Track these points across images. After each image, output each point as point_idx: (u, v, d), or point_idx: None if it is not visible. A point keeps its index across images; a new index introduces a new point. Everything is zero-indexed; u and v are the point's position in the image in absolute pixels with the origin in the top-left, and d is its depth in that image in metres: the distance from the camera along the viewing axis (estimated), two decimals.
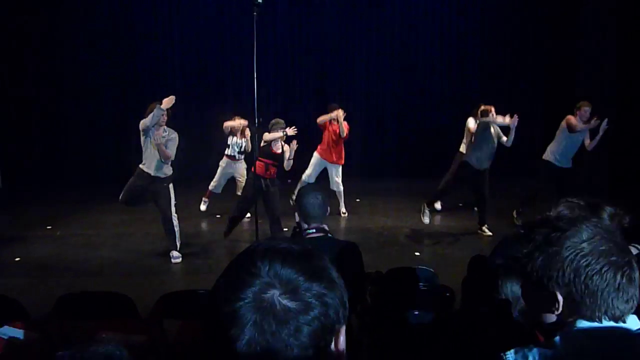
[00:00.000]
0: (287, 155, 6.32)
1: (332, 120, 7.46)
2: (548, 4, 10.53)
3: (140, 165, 5.72)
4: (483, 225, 6.84)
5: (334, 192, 7.70)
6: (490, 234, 6.74)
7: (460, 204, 8.35)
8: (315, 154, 7.71)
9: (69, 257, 5.98)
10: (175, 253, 5.81)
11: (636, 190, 7.84)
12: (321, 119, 7.52)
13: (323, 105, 10.99)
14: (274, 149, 6.33)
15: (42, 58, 10.15)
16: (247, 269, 0.80)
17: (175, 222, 5.80)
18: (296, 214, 2.97)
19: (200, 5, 10.80)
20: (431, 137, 10.78)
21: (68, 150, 10.44)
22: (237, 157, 7.53)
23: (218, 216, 7.72)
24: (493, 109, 6.56)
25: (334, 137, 7.52)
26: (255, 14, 4.42)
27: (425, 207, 6.86)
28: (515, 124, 6.31)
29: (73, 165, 10.32)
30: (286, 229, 6.38)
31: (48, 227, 7.23)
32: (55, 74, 10.33)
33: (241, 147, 7.47)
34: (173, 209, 5.76)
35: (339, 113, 7.33)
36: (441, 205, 7.93)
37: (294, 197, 7.34)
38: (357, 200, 8.86)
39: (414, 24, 11.13)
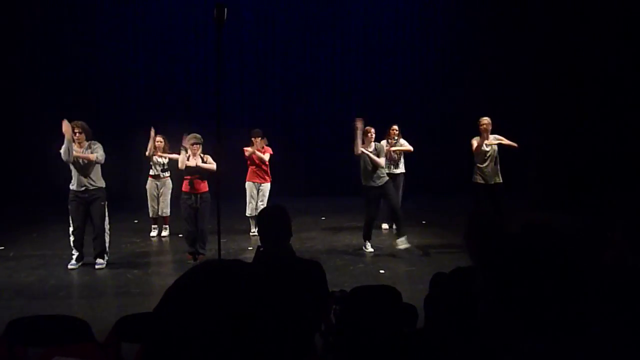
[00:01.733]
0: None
1: (256, 147, 7.54)
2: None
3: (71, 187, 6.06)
4: (398, 238, 6.74)
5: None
6: (404, 247, 6.67)
7: (424, 222, 8.46)
8: (246, 184, 7.68)
9: (22, 279, 5.73)
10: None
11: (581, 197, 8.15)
12: (247, 153, 7.58)
13: (289, 121, 11.08)
14: (190, 162, 6.31)
15: None
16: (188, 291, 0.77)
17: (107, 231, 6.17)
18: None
19: (165, 18, 10.77)
20: None
21: (24, 167, 10.11)
22: (161, 176, 7.60)
23: (180, 235, 7.59)
24: (372, 130, 6.75)
25: (257, 161, 7.58)
26: (218, 29, 4.39)
27: (366, 243, 6.84)
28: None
29: (29, 183, 10.00)
30: (251, 248, 6.30)
31: (0, 248, 6.94)
32: (11, 88, 10.03)
33: (164, 165, 7.55)
34: (106, 221, 6.14)
35: (257, 145, 7.49)
36: (387, 225, 8.02)
37: (253, 230, 7.35)
38: (323, 218, 8.85)
39: (379, 38, 11.40)
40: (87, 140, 6.10)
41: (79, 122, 6.08)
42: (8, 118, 10.00)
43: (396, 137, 7.80)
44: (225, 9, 3.57)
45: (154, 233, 7.78)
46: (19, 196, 9.75)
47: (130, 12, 10.78)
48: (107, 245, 6.20)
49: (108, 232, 6.20)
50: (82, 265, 6.16)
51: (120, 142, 9.47)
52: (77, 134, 5.99)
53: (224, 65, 10.26)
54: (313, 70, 11.40)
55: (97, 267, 6.06)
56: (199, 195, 6.24)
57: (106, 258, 6.19)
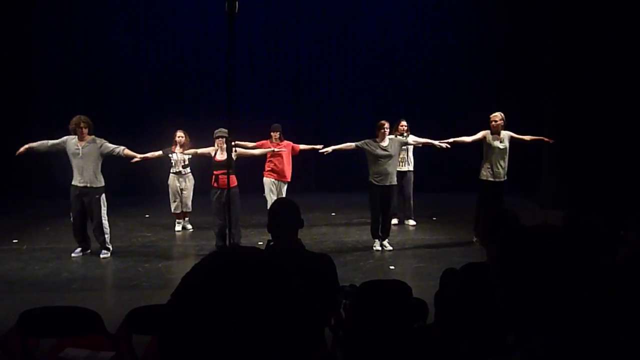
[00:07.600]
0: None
1: (273, 142, 7.30)
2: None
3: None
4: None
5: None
6: (378, 248, 6.71)
7: (434, 218, 8.43)
8: (264, 179, 7.42)
9: (35, 272, 5.80)
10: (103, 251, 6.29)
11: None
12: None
13: (298, 117, 11.07)
14: (217, 157, 6.33)
15: (9, 69, 9.95)
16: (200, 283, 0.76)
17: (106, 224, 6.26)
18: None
19: (176, 14, 10.80)
20: None
21: (36, 161, 10.19)
22: (182, 172, 7.51)
23: (191, 230, 7.64)
24: (386, 124, 6.69)
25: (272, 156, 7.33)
26: (229, 25, 4.38)
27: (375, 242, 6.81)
28: None
29: (41, 177, 10.09)
30: (261, 243, 6.31)
31: (14, 241, 7.02)
32: (24, 83, 10.13)
33: (185, 161, 7.46)
34: (103, 212, 6.20)
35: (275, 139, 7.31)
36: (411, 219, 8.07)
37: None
38: (333, 214, 8.85)
39: (388, 36, 11.36)
40: (89, 134, 6.16)
41: (83, 117, 6.12)
42: (22, 114, 10.08)
43: (405, 134, 7.48)
44: (237, 3, 3.56)
45: (178, 227, 7.70)
46: (32, 191, 9.85)
47: (142, 5, 10.80)
48: (106, 237, 6.27)
49: (107, 225, 6.26)
50: (89, 255, 6.31)
51: (132, 137, 9.50)
52: (82, 129, 6.07)
53: (234, 59, 10.26)
54: (324, 65, 11.34)
55: (101, 256, 6.24)
56: (226, 190, 6.21)
57: (109, 249, 6.32)
